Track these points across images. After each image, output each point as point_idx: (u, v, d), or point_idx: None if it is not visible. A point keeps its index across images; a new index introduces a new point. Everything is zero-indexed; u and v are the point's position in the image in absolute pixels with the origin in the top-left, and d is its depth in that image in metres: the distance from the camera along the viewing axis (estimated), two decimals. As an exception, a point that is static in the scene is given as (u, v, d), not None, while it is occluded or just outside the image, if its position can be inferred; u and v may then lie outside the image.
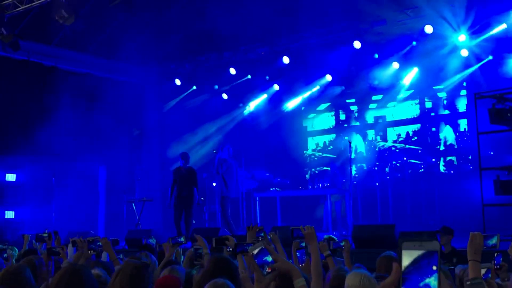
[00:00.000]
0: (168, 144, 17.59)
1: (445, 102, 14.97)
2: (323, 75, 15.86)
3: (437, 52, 13.68)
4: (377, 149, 15.92)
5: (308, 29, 15.06)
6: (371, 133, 16.14)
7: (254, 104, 17.43)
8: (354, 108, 16.54)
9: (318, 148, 17.13)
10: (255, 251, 3.60)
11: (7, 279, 4.03)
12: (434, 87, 14.88)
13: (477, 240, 3.28)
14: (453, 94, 14.73)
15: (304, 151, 17.19)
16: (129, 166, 16.88)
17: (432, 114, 15.16)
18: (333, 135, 16.86)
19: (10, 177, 14.79)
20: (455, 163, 14.66)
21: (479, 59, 13.47)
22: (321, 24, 14.75)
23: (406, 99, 15.49)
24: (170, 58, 17.47)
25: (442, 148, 14.86)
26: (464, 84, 14.38)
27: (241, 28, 13.81)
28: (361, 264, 5.53)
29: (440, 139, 14.93)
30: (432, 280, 1.62)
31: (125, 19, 14.54)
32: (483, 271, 4.05)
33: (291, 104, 16.83)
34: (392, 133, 15.81)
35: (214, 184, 15.26)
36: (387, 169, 15.19)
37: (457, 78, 14.12)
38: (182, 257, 6.53)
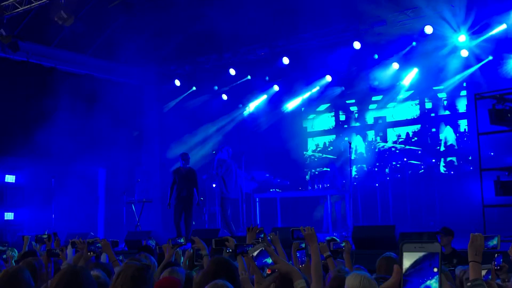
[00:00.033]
0: (168, 145, 17.58)
1: (445, 102, 14.96)
2: (323, 76, 15.85)
3: (437, 52, 13.67)
4: (377, 150, 15.90)
5: (308, 30, 15.06)
6: (371, 134, 16.13)
7: (254, 105, 17.42)
8: (354, 108, 16.53)
9: (318, 149, 17.12)
10: (255, 253, 3.59)
11: (6, 281, 4.01)
12: (434, 88, 14.87)
13: (478, 242, 3.27)
14: (453, 95, 14.72)
15: (304, 152, 17.18)
16: (128, 168, 16.87)
17: (432, 114, 15.15)
18: (333, 136, 16.85)
19: (10, 178, 14.78)
20: (456, 163, 14.64)
21: (479, 60, 13.46)
22: (321, 25, 14.76)
23: (406, 99, 15.48)
24: (170, 59, 17.47)
25: (442, 148, 14.84)
26: (464, 84, 14.37)
27: (240, 29, 13.80)
28: (361, 265, 5.52)
29: (440, 140, 14.92)
30: (433, 282, 1.61)
31: (124, 21, 14.55)
32: (483, 272, 4.04)
33: (291, 105, 16.82)
34: (392, 134, 15.79)
35: (214, 185, 15.25)
36: (387, 170, 15.18)
37: (457, 78, 14.11)
38: (182, 258, 6.52)
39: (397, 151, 15.52)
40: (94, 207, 16.60)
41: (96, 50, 16.25)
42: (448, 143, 14.75)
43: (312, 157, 17.10)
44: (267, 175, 16.13)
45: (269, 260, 3.42)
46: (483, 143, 10.88)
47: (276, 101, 16.98)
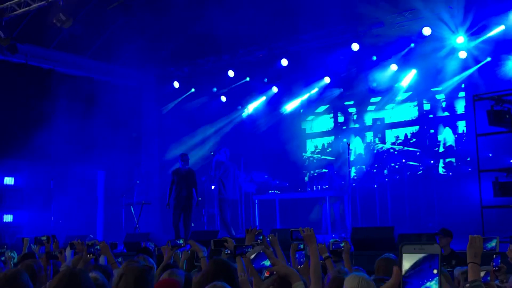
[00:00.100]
0: (167, 147, 17.59)
1: (443, 104, 14.97)
2: (322, 77, 15.86)
3: (435, 54, 13.69)
4: (375, 151, 15.91)
5: (307, 32, 15.07)
6: (369, 135, 16.14)
7: (253, 106, 17.43)
8: (352, 110, 16.53)
9: (317, 151, 17.13)
10: (252, 256, 3.59)
11: (4, 283, 4.01)
12: (432, 89, 14.88)
13: (477, 243, 3.28)
14: (452, 96, 14.72)
15: (303, 154, 17.18)
16: (127, 169, 16.87)
17: (431, 116, 15.16)
18: (332, 137, 16.86)
19: (9, 180, 14.77)
20: (454, 165, 14.65)
21: (477, 61, 13.47)
22: (320, 27, 14.77)
23: (405, 101, 15.49)
24: (168, 61, 17.47)
25: (441, 149, 14.85)
26: (463, 86, 14.38)
27: (239, 30, 13.81)
28: (359, 266, 5.53)
29: (439, 141, 14.93)
30: (433, 284, 1.61)
31: (123, 23, 14.54)
32: (482, 273, 4.05)
33: (290, 106, 16.83)
34: (391, 135, 15.80)
35: (213, 187, 15.26)
36: (385, 171, 15.18)
37: (456, 80, 14.12)
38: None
39: (396, 153, 15.53)
40: (93, 209, 16.59)
41: (95, 52, 16.25)
42: (447, 144, 14.76)
43: (311, 158, 17.10)
44: (266, 176, 16.12)
45: (267, 263, 3.42)
46: (481, 144, 10.90)
47: (275, 103, 16.99)
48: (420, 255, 1.63)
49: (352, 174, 15.01)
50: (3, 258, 6.92)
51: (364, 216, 14.45)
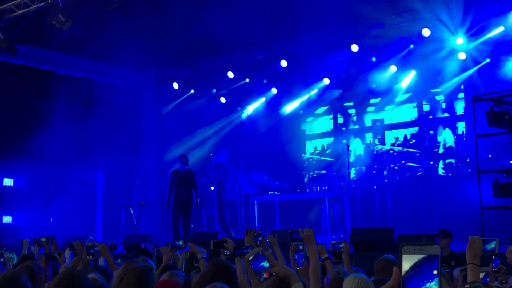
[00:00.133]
0: (166, 148, 17.58)
1: (443, 105, 14.97)
2: (321, 79, 15.86)
3: (434, 55, 13.69)
4: (375, 152, 15.91)
5: (306, 33, 15.07)
6: (369, 136, 16.14)
7: (252, 107, 17.43)
8: (352, 111, 16.54)
9: (316, 152, 17.13)
10: (250, 257, 3.59)
11: (4, 284, 4.00)
12: (432, 90, 14.88)
13: (477, 244, 3.28)
14: (451, 97, 14.73)
15: (303, 155, 17.18)
16: (127, 171, 16.85)
17: (430, 117, 15.16)
18: (331, 139, 16.86)
19: (8, 182, 14.76)
20: (454, 165, 14.65)
21: (476, 62, 13.47)
22: (319, 28, 14.78)
23: (404, 102, 15.50)
24: (168, 62, 17.48)
25: (441, 150, 14.85)
26: (462, 87, 14.39)
27: (239, 31, 13.81)
28: (359, 267, 5.52)
29: (439, 142, 14.93)
30: (433, 285, 1.60)
31: (122, 24, 14.54)
32: (482, 275, 4.05)
33: (289, 107, 16.83)
34: (390, 136, 15.81)
35: (212, 188, 15.26)
36: (385, 172, 15.18)
37: (455, 81, 14.12)
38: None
39: (395, 154, 15.53)
40: (92, 210, 16.58)
41: (94, 53, 16.24)
42: (447, 145, 14.76)
43: (311, 159, 17.10)
44: (266, 177, 16.13)
45: (266, 264, 3.42)
46: (481, 145, 10.90)
47: (274, 104, 16.99)
48: (420, 256, 1.63)
49: (352, 175, 15.01)
50: (1, 260, 6.92)
51: (364, 217, 14.45)
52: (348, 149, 12.94)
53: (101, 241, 6.62)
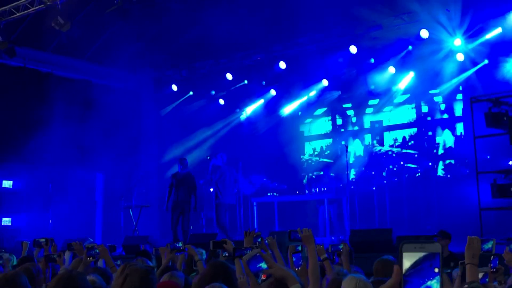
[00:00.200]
0: (165, 150, 17.58)
1: (441, 106, 14.99)
2: (320, 80, 15.87)
3: (433, 56, 13.70)
4: (373, 154, 15.92)
5: (305, 35, 15.08)
6: (367, 138, 16.16)
7: (251, 109, 17.43)
8: (350, 112, 16.55)
9: (315, 153, 17.14)
10: (248, 258, 3.59)
11: (4, 284, 4.01)
12: (430, 92, 14.90)
13: (475, 244, 3.29)
14: (449, 98, 14.75)
15: (301, 156, 17.18)
16: (126, 172, 16.84)
17: (429, 118, 15.18)
18: (330, 140, 16.87)
19: (7, 184, 14.76)
20: (453, 167, 14.66)
21: (474, 63, 13.48)
22: (317, 30, 14.78)
23: (403, 103, 15.51)
24: (167, 64, 17.48)
25: (441, 151, 14.86)
26: (460, 88, 14.40)
27: (237, 33, 13.82)
28: (359, 267, 5.54)
29: (437, 143, 14.95)
30: (434, 283, 1.60)
31: (121, 26, 14.53)
32: (480, 275, 4.06)
33: (288, 109, 16.83)
34: (389, 138, 15.82)
35: (211, 190, 15.26)
36: (384, 174, 15.19)
37: (453, 82, 14.14)
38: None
39: (394, 155, 15.54)
40: (91, 212, 16.56)
41: (92, 56, 16.25)
42: (447, 146, 14.78)
43: (309, 161, 17.10)
44: (265, 179, 16.14)
45: (264, 265, 3.42)
46: (479, 146, 10.92)
47: (273, 106, 16.99)
48: (421, 254, 1.62)
49: (352, 176, 15.03)
50: (1, 261, 6.92)
51: (363, 218, 14.46)
52: (346, 151, 12.96)
53: (100, 243, 6.62)
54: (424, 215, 14.22)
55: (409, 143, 15.42)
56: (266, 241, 5.43)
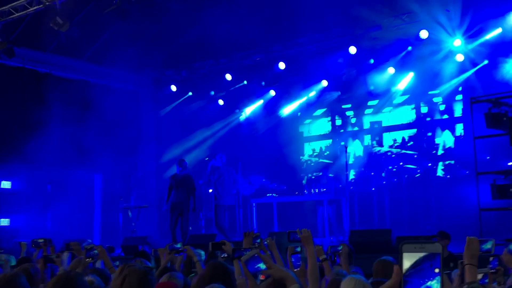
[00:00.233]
0: (164, 151, 17.57)
1: (441, 107, 14.99)
2: (319, 81, 15.86)
3: (432, 57, 13.70)
4: (373, 154, 15.91)
5: (304, 35, 15.08)
6: (367, 138, 16.15)
7: (250, 110, 17.43)
8: (350, 113, 16.55)
9: (315, 154, 17.13)
10: (246, 259, 3.58)
11: (4, 284, 4.01)
12: (429, 92, 14.90)
13: (474, 245, 3.28)
14: (449, 99, 14.75)
15: (301, 157, 17.17)
16: (124, 173, 16.83)
17: (428, 119, 15.17)
18: (330, 141, 16.87)
19: (6, 184, 14.74)
20: (452, 167, 14.66)
21: (474, 64, 13.48)
22: (317, 30, 14.79)
23: (402, 104, 15.51)
24: (166, 64, 17.48)
25: (441, 152, 14.85)
26: (460, 88, 14.40)
27: (237, 34, 13.81)
28: (359, 268, 5.53)
29: (437, 144, 14.94)
30: (434, 283, 1.59)
31: (120, 26, 14.53)
32: (480, 276, 4.05)
33: (287, 109, 16.83)
34: (388, 138, 15.82)
35: (210, 191, 15.27)
36: (383, 174, 15.19)
37: (453, 83, 14.14)
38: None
39: (393, 156, 15.54)
40: (90, 212, 16.54)
41: (92, 56, 16.23)
42: (447, 146, 14.78)
43: (309, 161, 17.10)
44: (264, 180, 16.13)
45: (263, 266, 3.41)
46: (479, 147, 10.91)
47: (272, 106, 16.99)
48: (421, 254, 1.61)
49: (351, 176, 15.02)
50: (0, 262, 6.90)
51: (362, 219, 14.45)
52: (346, 151, 12.95)
53: (99, 244, 6.62)
54: (423, 215, 14.22)
55: (409, 144, 15.41)
56: (265, 242, 5.42)
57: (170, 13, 14.68)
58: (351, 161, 15.47)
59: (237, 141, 16.80)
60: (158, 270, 5.39)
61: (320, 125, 17.16)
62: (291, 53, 15.65)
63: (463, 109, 14.43)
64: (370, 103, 15.97)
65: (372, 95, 15.48)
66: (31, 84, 15.21)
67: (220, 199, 13.16)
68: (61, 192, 14.81)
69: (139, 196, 15.67)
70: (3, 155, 14.40)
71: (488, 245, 4.12)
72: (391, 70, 14.60)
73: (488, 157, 12.95)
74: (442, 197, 14.09)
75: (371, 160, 15.76)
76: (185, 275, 5.41)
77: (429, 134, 15.10)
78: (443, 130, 14.88)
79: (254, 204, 14.48)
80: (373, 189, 14.89)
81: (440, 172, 14.77)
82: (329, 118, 16.96)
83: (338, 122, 16.78)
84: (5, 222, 14.50)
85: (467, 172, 13.74)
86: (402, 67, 14.48)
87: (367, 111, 16.16)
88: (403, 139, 15.52)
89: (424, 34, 13.32)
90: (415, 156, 15.17)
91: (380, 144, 15.85)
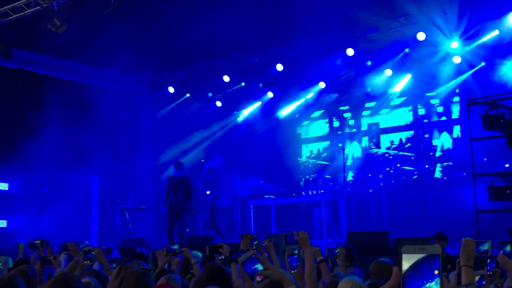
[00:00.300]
0: (162, 152, 17.56)
1: (438, 109, 15.00)
2: (317, 82, 15.87)
3: (429, 59, 13.72)
4: (370, 156, 15.92)
5: (302, 37, 15.09)
6: (364, 140, 16.16)
7: (248, 111, 17.43)
8: (347, 115, 16.56)
9: (312, 155, 17.13)
10: (243, 260, 3.58)
11: (1, 287, 4.00)
12: (427, 94, 14.92)
13: (470, 246, 3.29)
14: (446, 101, 14.76)
15: (298, 158, 17.18)
16: (122, 175, 16.81)
17: (425, 120, 15.19)
18: (327, 142, 16.87)
19: (2, 186, 14.72)
20: (449, 169, 14.67)
21: (471, 66, 13.50)
22: (315, 32, 14.80)
23: (399, 106, 15.53)
24: (163, 66, 17.47)
25: (439, 153, 14.86)
26: (457, 90, 14.42)
27: (234, 35, 13.82)
28: (360, 269, 5.53)
29: (434, 146, 14.96)
30: (433, 285, 1.58)
31: (117, 28, 14.53)
32: (477, 278, 4.05)
33: (285, 111, 16.83)
34: (386, 140, 15.83)
35: (208, 192, 15.27)
36: (380, 176, 15.20)
37: (450, 84, 14.16)
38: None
39: (391, 157, 15.55)
40: (87, 214, 16.52)
41: (89, 57, 16.22)
42: (444, 148, 14.80)
43: (306, 163, 17.10)
44: (261, 181, 16.13)
45: (260, 267, 3.40)
46: (476, 148, 10.92)
47: (270, 108, 16.99)
48: (420, 256, 1.61)
49: (349, 178, 15.03)
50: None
51: (359, 221, 14.46)
52: (343, 153, 12.96)
53: (96, 246, 6.61)
54: (420, 217, 14.23)
55: (406, 146, 15.43)
56: (263, 244, 5.42)
57: (168, 15, 14.68)
58: (348, 162, 15.49)
59: (235, 143, 16.80)
60: (155, 272, 5.38)
61: (317, 126, 17.17)
62: (288, 54, 15.66)
63: (460, 111, 14.45)
64: (367, 104, 15.98)
65: (370, 97, 15.50)
66: (28, 85, 15.19)
67: (216, 202, 13.16)
68: (58, 193, 14.79)
69: (136, 198, 15.67)
70: (0, 156, 14.39)
71: (485, 247, 4.12)
72: (388, 72, 14.62)
73: (485, 159, 12.97)
74: (439, 199, 14.10)
75: (369, 161, 15.77)
76: (182, 277, 5.42)
77: (426, 136, 15.12)
78: (440, 132, 14.90)
79: (251, 205, 14.48)
80: (371, 190, 14.90)
81: (438, 174, 14.78)
82: (326, 120, 16.96)
83: (336, 123, 16.78)
84: (2, 223, 14.48)
85: (464, 173, 13.75)
86: (399, 69, 14.50)
87: (365, 112, 16.17)
88: (401, 140, 15.54)
89: (421, 36, 13.34)
90: (413, 158, 15.19)
91: (378, 145, 15.86)
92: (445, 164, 14.76)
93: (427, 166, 14.88)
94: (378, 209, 14.49)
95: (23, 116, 14.68)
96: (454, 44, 13.29)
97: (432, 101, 15.01)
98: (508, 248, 4.72)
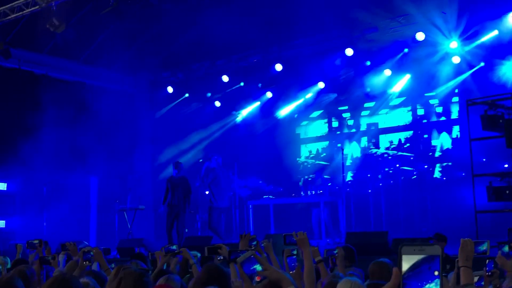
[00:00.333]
0: (160, 153, 17.55)
1: (437, 109, 15.00)
2: (316, 83, 15.86)
3: (429, 59, 13.71)
4: (369, 156, 15.92)
5: (301, 37, 15.09)
6: (363, 140, 16.16)
7: (247, 111, 17.42)
8: (346, 115, 16.56)
9: (311, 155, 17.13)
10: (241, 261, 3.57)
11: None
12: (426, 94, 14.91)
13: (468, 247, 3.28)
14: (445, 101, 14.76)
15: (297, 159, 17.17)
16: (120, 175, 16.80)
17: (424, 121, 15.19)
18: (326, 142, 16.86)
19: (1, 186, 14.71)
20: (449, 169, 14.67)
21: (471, 66, 13.49)
22: (314, 32, 14.80)
23: (398, 106, 15.52)
24: (162, 66, 17.46)
25: (438, 154, 14.86)
26: (456, 91, 14.42)
27: (233, 35, 13.81)
28: (361, 269, 5.53)
29: (433, 146, 14.95)
30: (433, 286, 1.58)
31: (116, 28, 14.52)
32: (476, 279, 4.04)
33: (284, 111, 16.83)
34: (385, 140, 15.82)
35: (207, 192, 15.26)
36: (379, 176, 15.19)
37: (449, 85, 14.15)
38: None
39: (390, 157, 15.55)
40: (86, 215, 16.51)
41: (88, 57, 16.21)
42: (444, 149, 14.80)
43: (305, 163, 17.10)
44: (260, 181, 16.12)
45: (259, 267, 3.40)
46: (475, 149, 10.91)
47: (269, 108, 16.98)
48: (420, 257, 1.60)
49: (348, 178, 15.03)
50: (-3, 265, 6.88)
51: (358, 221, 14.45)
52: (342, 153, 12.95)
53: (94, 246, 6.60)
54: (420, 217, 14.23)
55: (405, 146, 15.43)
56: (262, 244, 5.41)
57: (167, 15, 14.67)
58: (347, 163, 15.48)
59: (234, 143, 16.79)
60: (153, 272, 5.37)
61: (316, 127, 17.16)
62: (288, 54, 15.66)
63: (459, 111, 14.44)
64: (366, 105, 15.98)
65: (369, 97, 15.49)
66: (27, 85, 15.17)
67: (215, 201, 13.16)
68: (57, 194, 14.78)
69: (135, 198, 15.65)
70: (-1, 156, 14.39)
71: (484, 247, 4.11)
72: (387, 72, 14.61)
73: (484, 159, 12.97)
74: (438, 199, 14.10)
75: (368, 162, 15.76)
76: (181, 277, 5.41)
77: (426, 136, 15.12)
78: (439, 132, 14.90)
79: (250, 206, 14.48)
80: (370, 191, 14.89)
81: (437, 174, 14.78)
82: (325, 120, 16.96)
83: (335, 124, 16.78)
84: (1, 224, 14.47)
85: (463, 174, 13.75)
86: (398, 69, 14.49)
87: (364, 113, 16.17)
88: (400, 141, 15.54)
89: (420, 36, 13.34)
90: (412, 158, 15.18)
91: (377, 146, 15.86)
92: (444, 164, 14.76)
93: (426, 166, 14.87)
94: (377, 209, 14.48)
95: (21, 116, 14.67)
96: (453, 44, 13.28)
97: (431, 101, 15.01)
98: (506, 248, 4.71)
